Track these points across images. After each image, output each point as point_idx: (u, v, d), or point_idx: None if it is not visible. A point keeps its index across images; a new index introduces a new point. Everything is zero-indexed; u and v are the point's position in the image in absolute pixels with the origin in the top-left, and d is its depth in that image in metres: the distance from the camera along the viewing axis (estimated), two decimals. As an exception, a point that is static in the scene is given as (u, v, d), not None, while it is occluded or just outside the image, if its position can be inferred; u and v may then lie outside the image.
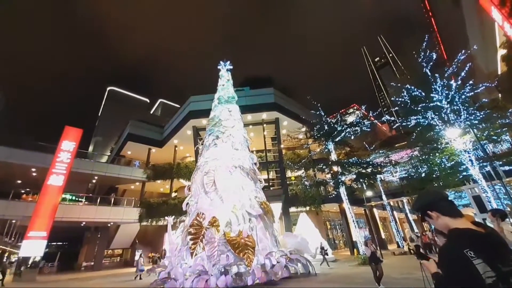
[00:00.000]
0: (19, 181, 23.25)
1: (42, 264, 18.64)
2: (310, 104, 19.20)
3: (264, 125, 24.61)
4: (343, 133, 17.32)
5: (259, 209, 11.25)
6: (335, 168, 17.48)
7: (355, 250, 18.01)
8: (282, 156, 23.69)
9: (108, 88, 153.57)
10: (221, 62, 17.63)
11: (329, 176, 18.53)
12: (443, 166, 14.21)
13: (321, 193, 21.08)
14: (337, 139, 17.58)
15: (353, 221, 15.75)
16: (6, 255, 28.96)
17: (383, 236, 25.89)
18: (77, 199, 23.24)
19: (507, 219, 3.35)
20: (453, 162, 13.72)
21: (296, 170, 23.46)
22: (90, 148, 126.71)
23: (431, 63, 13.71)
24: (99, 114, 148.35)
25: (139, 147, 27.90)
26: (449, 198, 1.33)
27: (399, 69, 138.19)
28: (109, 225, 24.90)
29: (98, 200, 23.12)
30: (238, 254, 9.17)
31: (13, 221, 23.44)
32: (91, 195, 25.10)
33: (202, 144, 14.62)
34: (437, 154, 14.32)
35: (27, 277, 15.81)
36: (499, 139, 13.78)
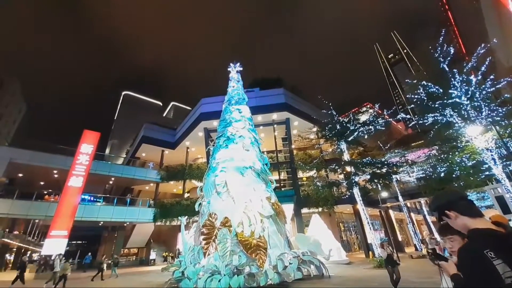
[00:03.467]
0: (41, 183, 24.56)
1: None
2: (321, 103, 18.97)
3: (275, 125, 24.54)
4: (356, 133, 16.94)
5: (270, 209, 11.23)
6: (348, 169, 17.12)
7: (370, 252, 17.51)
8: (293, 157, 23.50)
9: (123, 93, 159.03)
10: (231, 64, 17.82)
11: (342, 176, 18.17)
12: (463, 165, 13.54)
13: (333, 194, 20.70)
14: (349, 139, 17.22)
15: (368, 222, 15.35)
16: (28, 253, 30.56)
17: (399, 239, 25.03)
18: (95, 199, 24.19)
19: None
20: (474, 161, 13.05)
21: (307, 171, 23.20)
22: (107, 151, 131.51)
23: (449, 58, 13.16)
24: (115, 118, 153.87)
25: (153, 149, 28.68)
26: (469, 198, 1.29)
27: (414, 65, 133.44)
28: (125, 224, 25.72)
29: (115, 201, 23.95)
30: (250, 255, 9.20)
31: (36, 221, 24.77)
32: (108, 195, 26.03)
33: (213, 145, 14.81)
34: (456, 153, 13.67)
35: (49, 274, 16.58)
36: None
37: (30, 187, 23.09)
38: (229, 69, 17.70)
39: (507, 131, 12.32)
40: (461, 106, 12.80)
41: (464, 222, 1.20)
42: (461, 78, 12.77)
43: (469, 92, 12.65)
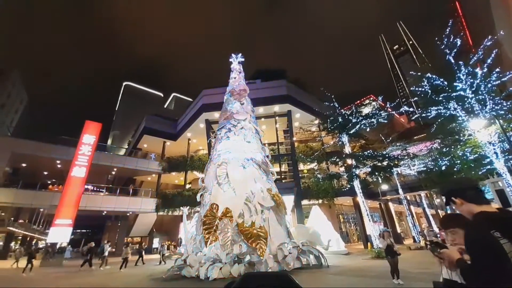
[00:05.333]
0: (45, 173, 24.86)
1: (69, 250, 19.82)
2: (324, 95, 18.79)
3: (276, 117, 24.43)
4: (358, 125, 16.84)
5: (271, 201, 11.35)
6: (349, 161, 17.14)
7: (368, 243, 17.79)
8: (295, 149, 23.52)
9: (124, 83, 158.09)
10: (232, 55, 17.57)
11: (342, 169, 18.21)
12: (465, 159, 13.51)
13: (334, 186, 20.83)
14: (351, 132, 17.14)
15: (367, 214, 15.50)
16: (34, 241, 31.28)
17: (398, 231, 25.35)
18: (98, 189, 24.54)
19: None
20: (476, 155, 13.01)
21: (308, 163, 23.26)
22: (109, 142, 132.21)
23: (455, 50, 12.90)
24: (116, 109, 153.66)
25: (154, 140, 28.78)
26: (477, 187, 1.35)
27: (420, 57, 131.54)
28: (128, 214, 26.17)
29: (118, 191, 24.30)
30: (250, 244, 9.37)
31: (41, 210, 25.23)
32: (111, 185, 26.37)
33: (214, 137, 14.82)
34: (459, 146, 13.61)
35: (55, 261, 17.04)
36: None
37: (33, 177, 23.40)
38: (230, 60, 17.47)
39: (511, 125, 12.21)
40: (466, 99, 12.64)
41: (470, 208, 1.26)
42: (466, 71, 12.54)
43: (474, 85, 12.46)
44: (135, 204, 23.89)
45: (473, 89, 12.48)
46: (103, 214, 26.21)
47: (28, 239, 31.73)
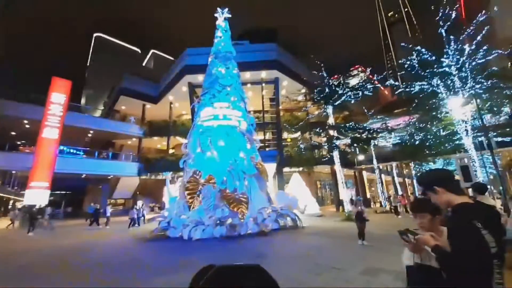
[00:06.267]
0: (13, 133, 23.03)
1: (50, 211, 18.85)
2: (312, 63, 18.18)
3: (263, 84, 23.62)
4: (344, 97, 16.88)
5: (254, 169, 11.63)
6: (331, 132, 17.57)
7: (340, 207, 19.45)
8: (280, 118, 23.46)
9: (94, 35, 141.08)
10: (218, 9, 15.82)
11: (324, 139, 18.74)
12: (438, 134, 14.39)
13: (315, 156, 21.63)
14: (337, 103, 17.21)
15: (342, 182, 16.58)
16: (11, 203, 30.54)
17: (368, 196, 27.79)
18: (75, 152, 23.50)
19: (486, 193, 3.54)
20: (448, 131, 13.86)
21: (292, 132, 23.58)
22: (83, 101, 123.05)
23: (448, 23, 12.66)
24: (88, 65, 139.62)
25: (133, 102, 27.08)
26: (456, 179, 1.42)
27: (413, 27, 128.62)
28: (109, 177, 25.82)
29: (97, 154, 23.49)
30: (232, 209, 9.83)
31: (13, 172, 24.07)
32: (88, 148, 25.31)
33: (198, 102, 14.21)
34: (435, 123, 14.34)
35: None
36: (499, 111, 13.70)
37: (1, 138, 21.63)
38: (216, 15, 15.78)
39: (486, 105, 12.87)
40: (449, 76, 12.90)
41: (450, 198, 1.30)
42: (455, 47, 12.55)
43: (460, 62, 12.62)
44: (116, 167, 23.46)
45: (458, 66, 12.67)
46: (82, 177, 25.61)
47: (4, 199, 30.91)
